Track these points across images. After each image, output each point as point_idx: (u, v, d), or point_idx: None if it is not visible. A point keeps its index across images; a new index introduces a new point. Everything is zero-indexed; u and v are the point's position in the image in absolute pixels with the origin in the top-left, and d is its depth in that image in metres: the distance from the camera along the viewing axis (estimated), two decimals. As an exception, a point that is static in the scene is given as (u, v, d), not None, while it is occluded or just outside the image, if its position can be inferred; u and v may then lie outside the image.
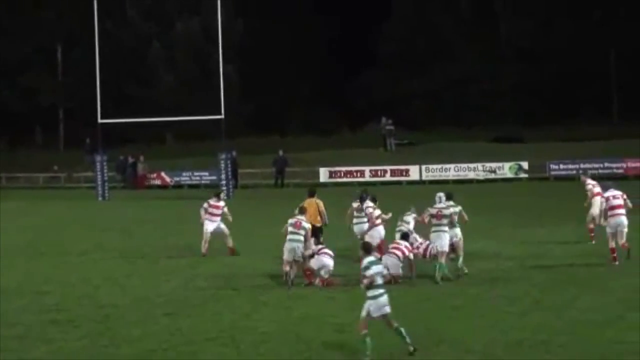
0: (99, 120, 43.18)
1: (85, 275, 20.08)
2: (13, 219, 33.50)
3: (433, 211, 18.49)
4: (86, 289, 18.29)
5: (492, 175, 46.55)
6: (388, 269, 17.53)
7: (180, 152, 60.02)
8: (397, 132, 55.23)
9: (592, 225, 22.43)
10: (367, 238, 19.39)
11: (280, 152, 49.08)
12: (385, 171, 48.32)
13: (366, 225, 20.48)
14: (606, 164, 44.81)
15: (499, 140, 54.74)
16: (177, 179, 51.90)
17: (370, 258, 12.70)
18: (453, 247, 18.61)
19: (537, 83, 64.14)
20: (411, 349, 12.34)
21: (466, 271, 18.52)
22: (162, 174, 52.35)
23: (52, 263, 22.23)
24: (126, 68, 65.36)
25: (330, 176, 48.78)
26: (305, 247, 18.16)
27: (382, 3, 69.50)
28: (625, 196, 19.65)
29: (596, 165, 44.30)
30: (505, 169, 46.79)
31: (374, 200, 20.76)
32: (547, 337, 13.17)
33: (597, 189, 22.49)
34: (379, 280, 12.43)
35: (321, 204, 21.48)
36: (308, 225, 18.48)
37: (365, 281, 12.43)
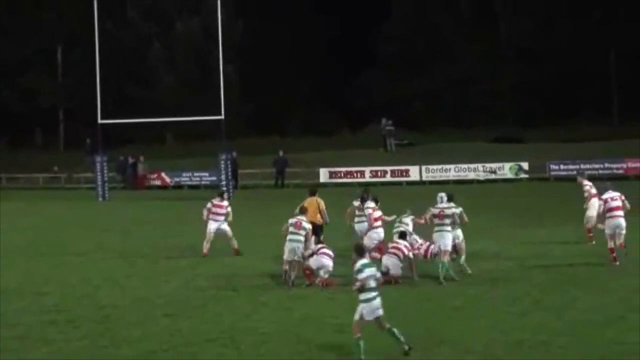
0: (99, 121, 43.16)
1: (86, 275, 20.08)
2: (13, 219, 33.49)
3: (435, 211, 18.48)
4: (86, 290, 18.29)
5: (493, 176, 46.53)
6: (389, 270, 17.58)
7: (180, 152, 60.03)
8: (397, 133, 55.23)
9: (589, 226, 22.44)
10: (366, 239, 19.41)
11: (281, 153, 49.07)
12: (385, 172, 48.31)
13: (367, 225, 20.47)
14: (606, 165, 44.76)
15: (499, 141, 54.74)
16: (177, 179, 51.90)
17: (364, 261, 12.60)
18: (455, 248, 18.63)
19: (537, 83, 64.14)
20: (406, 347, 12.28)
21: (469, 271, 18.53)
22: (162, 174, 52.34)
23: (52, 264, 22.22)
24: (126, 68, 65.39)
25: (331, 177, 48.77)
26: (306, 247, 18.18)
27: (382, 3, 69.59)
28: (623, 197, 19.64)
29: (596, 166, 44.31)
30: (506, 170, 46.78)
31: (375, 200, 20.71)
32: (547, 337, 13.17)
33: (594, 191, 22.51)
34: (372, 284, 12.31)
35: (322, 202, 21.50)
36: (309, 226, 18.49)
37: (357, 284, 12.37)
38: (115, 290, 18.23)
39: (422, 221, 19.48)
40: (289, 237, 18.19)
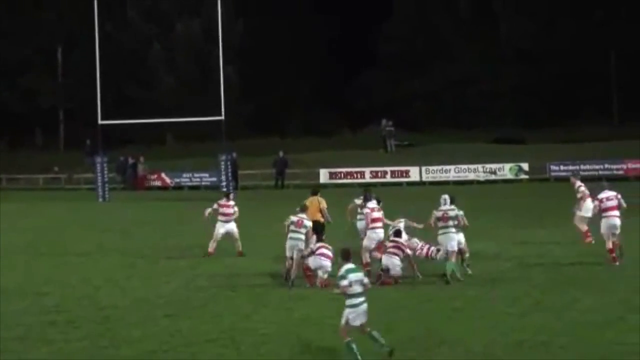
0: (99, 122, 43.12)
1: (86, 276, 20.08)
2: (13, 220, 33.46)
3: (439, 214, 18.48)
4: (86, 290, 18.29)
5: (493, 177, 46.53)
6: (389, 269, 17.60)
7: (180, 153, 59.97)
8: (397, 133, 55.19)
9: (585, 227, 22.42)
10: (365, 240, 19.37)
11: (281, 153, 49.02)
12: (385, 172, 48.29)
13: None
14: (606, 165, 44.78)
15: (499, 142, 54.74)
16: (177, 180, 51.84)
17: (349, 266, 12.50)
18: (460, 251, 18.63)
19: (538, 84, 64.07)
20: (388, 349, 12.19)
21: (469, 272, 18.54)
22: (162, 175, 52.30)
23: (52, 264, 22.22)
24: (126, 69, 65.30)
25: (331, 177, 48.74)
26: (306, 245, 18.27)
27: (383, 3, 69.51)
28: (619, 196, 19.64)
29: (596, 167, 44.33)
30: (506, 170, 46.77)
31: (378, 201, 20.59)
32: (548, 338, 13.17)
33: (587, 191, 22.52)
34: (359, 289, 12.21)
35: (323, 202, 21.56)
36: (309, 224, 18.65)
37: (337, 291, 12.30)
38: (115, 290, 18.24)
39: (421, 225, 19.47)
40: (290, 234, 18.37)
